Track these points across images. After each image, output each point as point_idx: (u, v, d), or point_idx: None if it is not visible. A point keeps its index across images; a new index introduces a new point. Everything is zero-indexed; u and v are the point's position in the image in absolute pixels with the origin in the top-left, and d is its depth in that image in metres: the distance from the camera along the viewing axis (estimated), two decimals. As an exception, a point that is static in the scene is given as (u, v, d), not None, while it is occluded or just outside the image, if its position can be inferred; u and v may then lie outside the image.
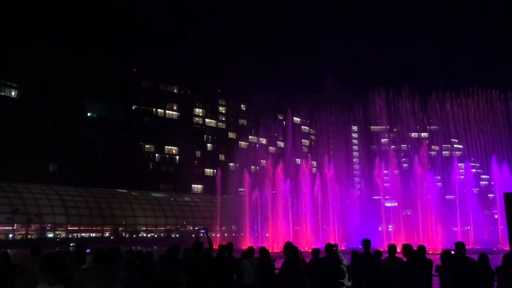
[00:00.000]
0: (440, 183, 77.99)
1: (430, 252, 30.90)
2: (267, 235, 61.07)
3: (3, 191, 69.34)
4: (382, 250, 11.97)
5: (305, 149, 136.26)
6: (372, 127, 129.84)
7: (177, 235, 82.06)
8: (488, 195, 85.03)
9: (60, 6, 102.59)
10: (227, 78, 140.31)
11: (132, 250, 13.26)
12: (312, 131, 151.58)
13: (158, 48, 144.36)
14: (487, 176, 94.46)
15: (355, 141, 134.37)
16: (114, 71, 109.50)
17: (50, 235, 72.53)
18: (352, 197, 69.11)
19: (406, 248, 11.01)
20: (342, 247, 30.70)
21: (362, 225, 55.87)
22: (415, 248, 11.12)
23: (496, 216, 61.54)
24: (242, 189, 69.18)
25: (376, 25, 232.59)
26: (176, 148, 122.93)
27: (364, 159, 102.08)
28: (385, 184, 62.82)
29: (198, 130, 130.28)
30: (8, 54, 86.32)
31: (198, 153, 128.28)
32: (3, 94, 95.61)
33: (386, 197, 61.43)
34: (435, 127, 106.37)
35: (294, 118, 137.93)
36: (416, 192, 56.73)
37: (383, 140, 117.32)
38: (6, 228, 69.26)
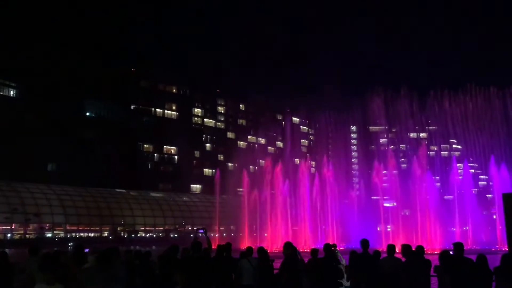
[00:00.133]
0: (438, 184, 77.87)
1: (429, 253, 30.96)
2: (265, 235, 60.95)
3: (1, 190, 69.29)
4: (381, 250, 11.97)
5: (304, 149, 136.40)
6: (371, 127, 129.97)
7: (176, 235, 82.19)
8: (487, 195, 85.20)
9: (60, 6, 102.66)
10: (226, 78, 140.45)
11: (131, 250, 13.26)
12: (311, 131, 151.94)
13: (157, 48, 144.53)
14: (486, 177, 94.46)
15: (354, 141, 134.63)
16: (113, 71, 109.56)
17: (49, 234, 72.50)
18: (351, 197, 68.96)
19: (405, 248, 11.03)
20: (340, 247, 30.62)
21: (360, 225, 55.94)
22: (413, 248, 11.13)
23: (494, 217, 61.64)
24: (240, 189, 69.14)
25: (376, 25, 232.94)
26: (175, 148, 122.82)
27: (363, 159, 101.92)
28: (384, 185, 62.77)
29: (197, 130, 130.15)
30: (8, 54, 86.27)
31: (197, 153, 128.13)
32: (2, 93, 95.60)
33: (385, 197, 61.48)
34: (434, 127, 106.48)
35: (293, 118, 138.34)
36: (415, 192, 56.72)
37: (382, 140, 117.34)
38: (5, 227, 69.25)
